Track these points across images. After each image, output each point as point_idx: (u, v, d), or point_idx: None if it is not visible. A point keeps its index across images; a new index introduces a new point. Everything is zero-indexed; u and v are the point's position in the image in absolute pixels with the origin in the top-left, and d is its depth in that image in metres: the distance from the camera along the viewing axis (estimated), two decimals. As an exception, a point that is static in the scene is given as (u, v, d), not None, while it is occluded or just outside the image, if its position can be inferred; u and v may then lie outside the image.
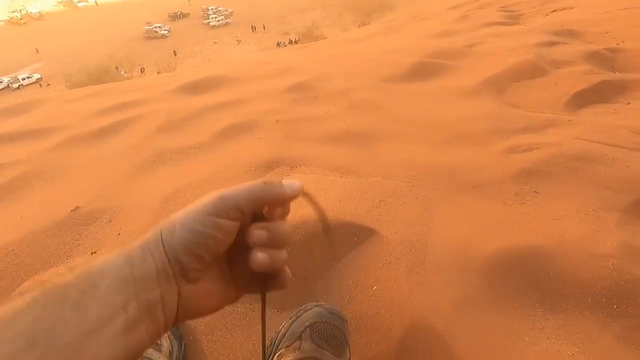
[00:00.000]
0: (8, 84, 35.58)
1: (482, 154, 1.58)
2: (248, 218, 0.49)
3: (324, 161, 1.62)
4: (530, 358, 0.84)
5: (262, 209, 0.50)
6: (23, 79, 36.08)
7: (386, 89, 2.46)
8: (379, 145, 1.76)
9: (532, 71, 2.39)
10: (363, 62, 3.13)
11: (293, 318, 0.85)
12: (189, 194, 1.52)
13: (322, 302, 0.94)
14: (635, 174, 1.32)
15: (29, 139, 2.31)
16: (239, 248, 0.49)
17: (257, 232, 0.48)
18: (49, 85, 34.65)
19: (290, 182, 0.50)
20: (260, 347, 0.93)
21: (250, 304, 1.05)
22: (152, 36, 50.68)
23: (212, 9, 61.20)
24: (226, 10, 60.31)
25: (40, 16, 72.69)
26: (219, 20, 55.02)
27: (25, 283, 1.15)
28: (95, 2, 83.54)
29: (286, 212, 0.51)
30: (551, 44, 2.87)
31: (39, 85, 34.91)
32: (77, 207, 1.46)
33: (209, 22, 55.05)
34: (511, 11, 4.94)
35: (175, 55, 39.67)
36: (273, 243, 0.48)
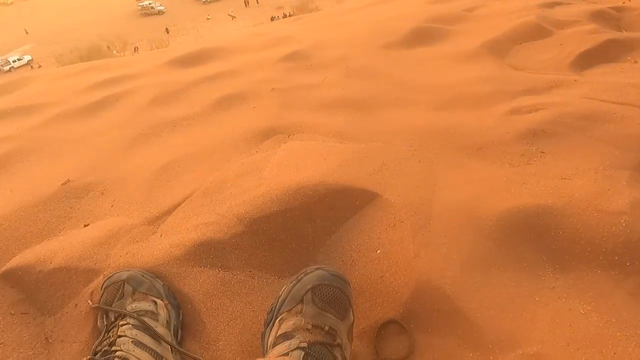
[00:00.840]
0: (-1, 67, 34.91)
1: (485, 116, 1.53)
2: None
3: (322, 128, 1.56)
4: (542, 317, 0.82)
5: None
6: (14, 61, 35.17)
7: (384, 56, 2.38)
8: (379, 111, 1.70)
9: (534, 33, 2.31)
10: (360, 30, 3.03)
11: (294, 282, 0.82)
12: (184, 164, 1.47)
13: (324, 265, 0.91)
14: (645, 131, 1.28)
15: (19, 116, 2.25)
16: None
17: None
18: (40, 67, 33.91)
19: None
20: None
21: (250, 271, 1.02)
22: (148, 12, 48.58)
23: (203, -16, 59.57)
24: (218, -15, 58.66)
25: (28, -4, 70.83)
26: (211, -5, 53.43)
27: (17, 257, 1.11)
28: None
29: None
30: (554, 4, 2.77)
31: (30, 68, 34.26)
32: (68, 181, 1.41)
33: (201, -2, 53.61)
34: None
35: (167, 33, 38.80)
36: None
